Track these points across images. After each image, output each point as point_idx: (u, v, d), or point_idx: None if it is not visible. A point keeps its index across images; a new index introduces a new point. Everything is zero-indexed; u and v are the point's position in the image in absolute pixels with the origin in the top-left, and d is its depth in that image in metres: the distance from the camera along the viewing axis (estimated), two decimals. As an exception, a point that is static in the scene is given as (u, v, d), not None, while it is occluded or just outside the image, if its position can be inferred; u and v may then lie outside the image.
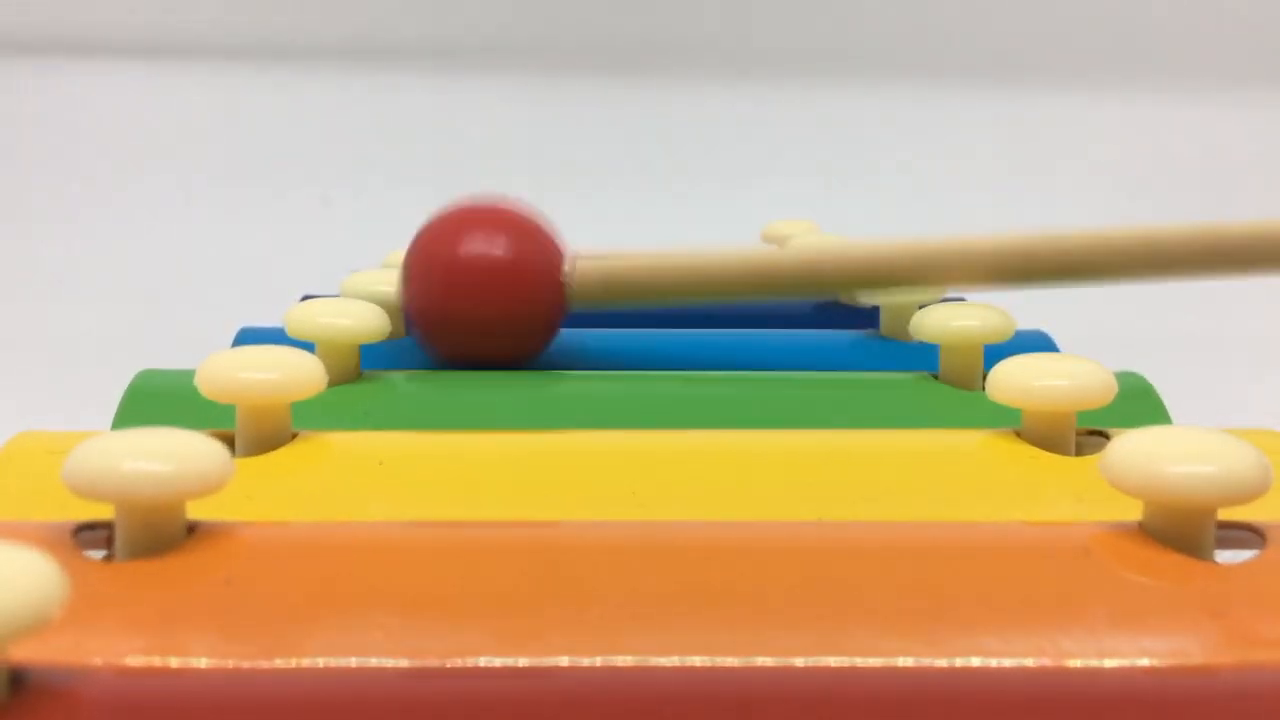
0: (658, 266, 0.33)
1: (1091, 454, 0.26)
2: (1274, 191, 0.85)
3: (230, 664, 0.17)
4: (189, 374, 0.26)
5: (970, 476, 0.25)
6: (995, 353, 0.30)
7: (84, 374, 0.52)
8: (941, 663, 0.17)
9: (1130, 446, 0.20)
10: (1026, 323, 0.35)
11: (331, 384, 0.28)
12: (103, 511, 0.19)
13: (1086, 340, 0.39)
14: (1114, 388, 0.26)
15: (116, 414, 0.30)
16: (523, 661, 0.17)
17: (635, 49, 0.93)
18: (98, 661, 0.17)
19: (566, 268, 0.33)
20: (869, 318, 0.38)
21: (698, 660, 0.17)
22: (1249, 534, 0.21)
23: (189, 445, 0.19)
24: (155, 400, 0.30)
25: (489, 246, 0.32)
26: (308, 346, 0.29)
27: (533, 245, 0.32)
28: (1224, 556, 0.20)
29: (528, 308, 0.32)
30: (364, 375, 0.31)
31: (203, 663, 0.17)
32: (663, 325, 0.39)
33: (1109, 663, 0.17)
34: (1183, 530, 0.20)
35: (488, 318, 0.32)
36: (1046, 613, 0.18)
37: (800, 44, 0.93)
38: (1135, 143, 0.91)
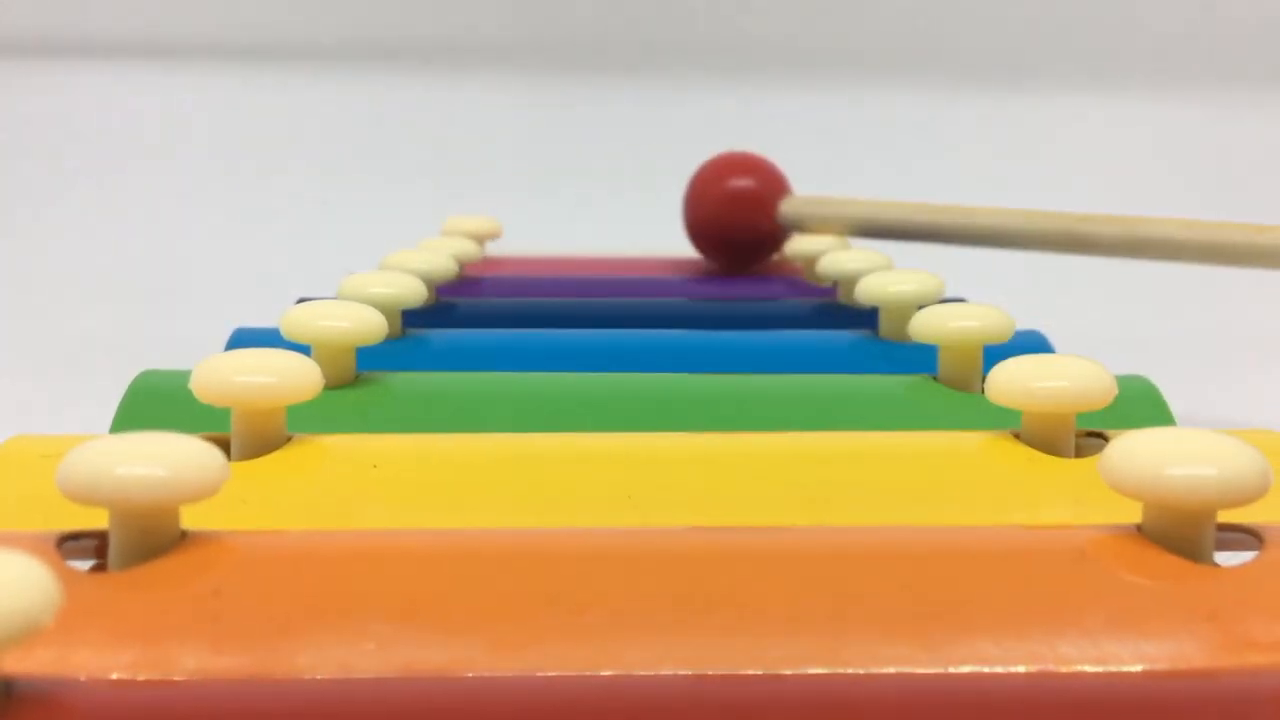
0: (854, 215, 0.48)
1: (1091, 456, 0.25)
2: (1275, 191, 0.85)
3: (221, 676, 0.17)
4: (190, 375, 0.26)
5: (969, 479, 0.25)
6: (993, 353, 0.30)
7: (81, 374, 0.53)
8: (939, 669, 0.17)
9: (1129, 448, 0.20)
10: (1025, 322, 0.35)
11: (328, 387, 0.28)
12: (97, 517, 0.19)
13: (1087, 340, 0.39)
14: (1114, 389, 0.26)
15: (117, 414, 0.30)
16: (517, 672, 0.17)
17: (635, 49, 0.93)
18: (85, 674, 0.17)
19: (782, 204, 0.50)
20: (868, 318, 0.38)
21: (692, 670, 0.17)
22: (1247, 536, 0.21)
23: (184, 450, 0.19)
24: (156, 400, 0.30)
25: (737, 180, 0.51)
26: (304, 348, 0.29)
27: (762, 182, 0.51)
28: (1223, 559, 0.20)
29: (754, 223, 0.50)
30: (360, 377, 0.31)
31: (193, 675, 0.17)
32: (661, 326, 0.39)
33: (1107, 667, 0.17)
34: (1182, 533, 0.20)
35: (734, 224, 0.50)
36: (1045, 617, 0.18)
37: (800, 44, 0.93)
38: (1135, 142, 0.91)
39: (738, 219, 0.50)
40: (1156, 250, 0.40)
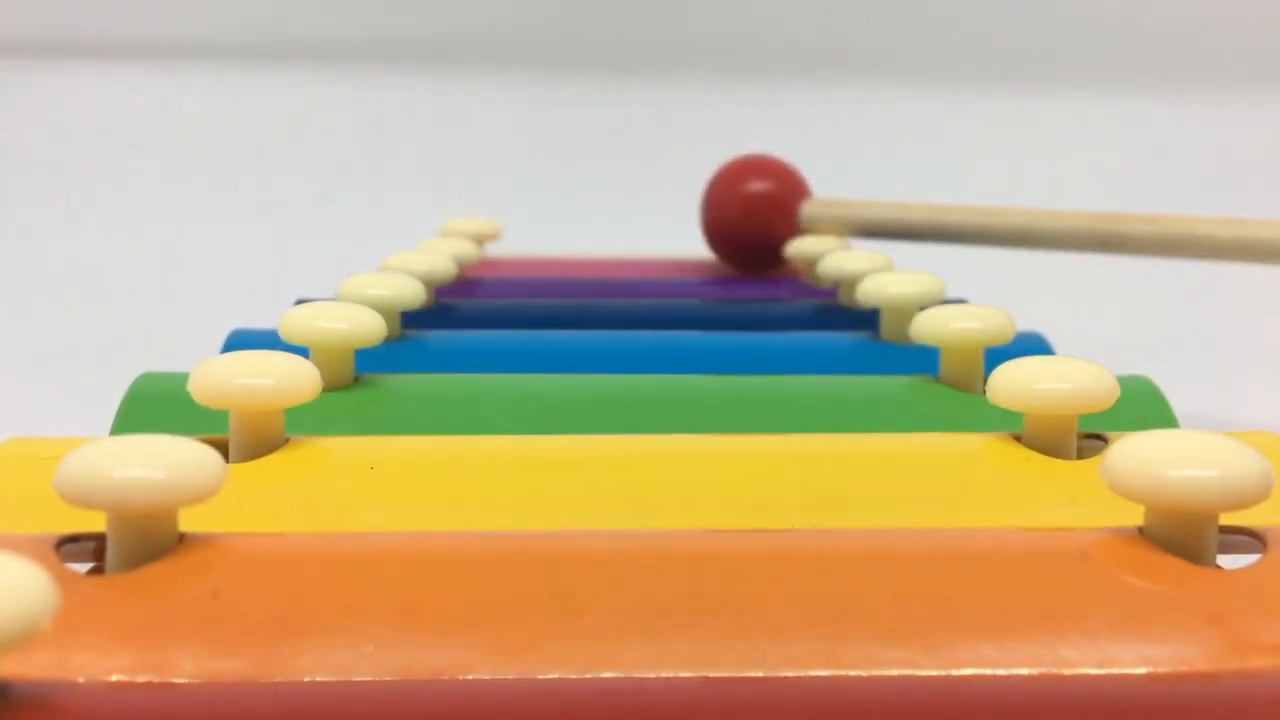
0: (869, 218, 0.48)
1: (1093, 458, 0.25)
2: (1274, 191, 0.85)
3: (220, 678, 0.17)
4: (189, 376, 0.26)
5: (971, 481, 0.25)
6: (993, 356, 0.29)
7: (79, 375, 0.52)
8: (941, 671, 0.17)
9: (1131, 451, 0.20)
10: (1025, 323, 0.35)
11: (326, 388, 0.28)
12: (95, 519, 0.19)
13: (1088, 341, 0.39)
14: (1116, 391, 0.26)
15: (117, 416, 0.30)
16: (517, 674, 0.17)
17: (634, 49, 0.93)
18: (84, 676, 0.16)
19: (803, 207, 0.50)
20: (869, 320, 0.38)
21: (694, 672, 0.17)
22: (1249, 539, 0.21)
23: (181, 452, 0.19)
24: (156, 402, 0.30)
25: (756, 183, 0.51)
26: (302, 350, 0.29)
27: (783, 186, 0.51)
28: (1225, 561, 0.20)
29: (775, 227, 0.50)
30: (359, 379, 0.31)
31: (192, 677, 0.17)
32: (660, 328, 0.39)
33: (1110, 670, 0.17)
34: (1184, 535, 0.20)
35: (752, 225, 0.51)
36: (1047, 619, 0.18)
37: (800, 44, 0.93)
38: (1135, 143, 0.91)
39: (759, 223, 0.50)
40: (1193, 249, 0.40)
